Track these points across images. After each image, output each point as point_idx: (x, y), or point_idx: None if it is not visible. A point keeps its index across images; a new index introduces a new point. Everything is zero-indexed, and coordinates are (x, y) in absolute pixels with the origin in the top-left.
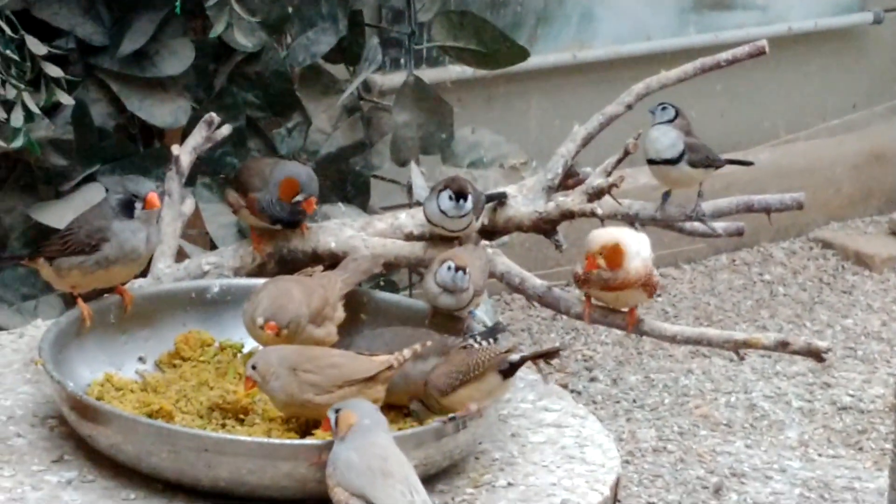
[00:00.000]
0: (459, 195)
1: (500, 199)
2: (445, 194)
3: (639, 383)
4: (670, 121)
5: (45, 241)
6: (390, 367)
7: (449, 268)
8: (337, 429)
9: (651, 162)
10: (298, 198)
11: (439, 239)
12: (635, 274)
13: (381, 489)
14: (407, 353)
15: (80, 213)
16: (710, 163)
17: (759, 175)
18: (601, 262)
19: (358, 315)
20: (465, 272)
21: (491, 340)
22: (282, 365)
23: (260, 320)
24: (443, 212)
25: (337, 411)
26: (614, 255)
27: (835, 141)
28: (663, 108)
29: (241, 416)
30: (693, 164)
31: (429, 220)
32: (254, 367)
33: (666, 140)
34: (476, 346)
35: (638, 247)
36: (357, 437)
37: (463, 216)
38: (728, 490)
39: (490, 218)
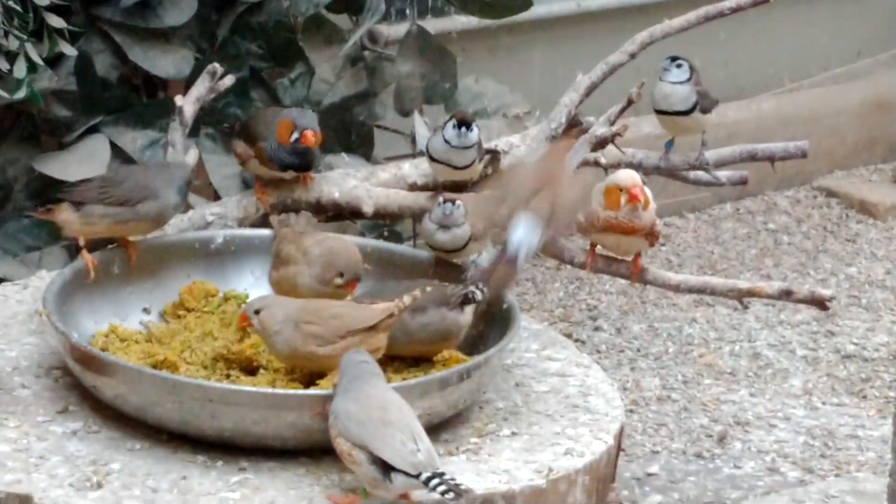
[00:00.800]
0: (463, 123)
1: (493, 155)
2: (450, 124)
3: (643, 332)
4: (687, 80)
5: (72, 186)
6: (391, 315)
7: (440, 203)
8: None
9: (661, 112)
10: (294, 135)
11: (444, 189)
12: (649, 219)
13: (381, 439)
14: (407, 299)
15: (124, 166)
16: (713, 104)
17: (763, 124)
18: (637, 193)
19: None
20: (454, 203)
21: None
22: (285, 320)
23: (339, 280)
24: (447, 142)
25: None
26: (642, 193)
27: (839, 89)
28: (678, 66)
29: (246, 367)
30: (704, 111)
31: (432, 159)
32: (256, 312)
33: (679, 96)
34: (478, 294)
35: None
36: (356, 388)
37: (468, 148)
38: (732, 438)
39: (493, 168)
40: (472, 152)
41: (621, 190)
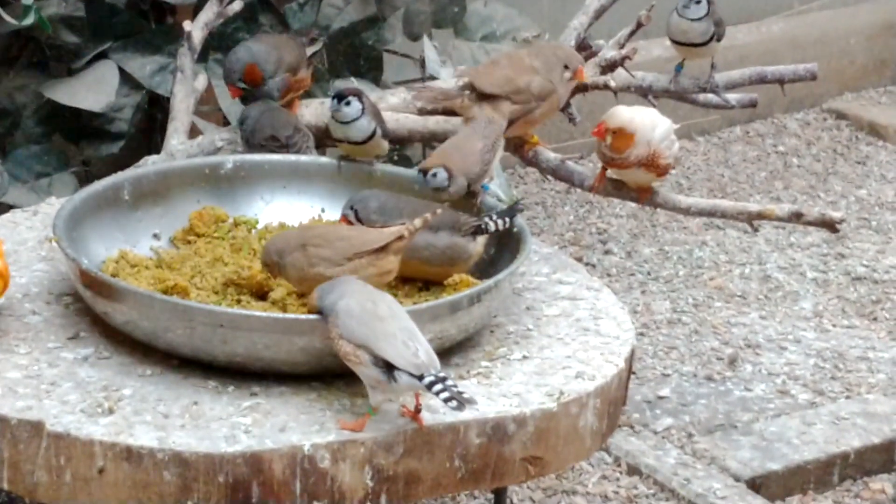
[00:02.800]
0: (339, 97)
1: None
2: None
3: (653, 255)
4: (706, 15)
5: None
6: (401, 238)
7: (419, 172)
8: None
9: (677, 43)
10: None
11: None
12: (636, 157)
13: (383, 339)
14: (418, 222)
15: None
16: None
17: (773, 46)
18: (609, 139)
19: (372, 190)
20: (434, 174)
21: (507, 220)
22: (289, 244)
23: (568, 74)
24: (332, 117)
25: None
26: (623, 139)
27: (848, 11)
28: (697, 2)
29: (257, 292)
30: (719, 39)
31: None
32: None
33: (698, 31)
34: (491, 225)
35: (650, 133)
36: (348, 287)
37: (352, 122)
38: (743, 361)
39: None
40: (359, 125)
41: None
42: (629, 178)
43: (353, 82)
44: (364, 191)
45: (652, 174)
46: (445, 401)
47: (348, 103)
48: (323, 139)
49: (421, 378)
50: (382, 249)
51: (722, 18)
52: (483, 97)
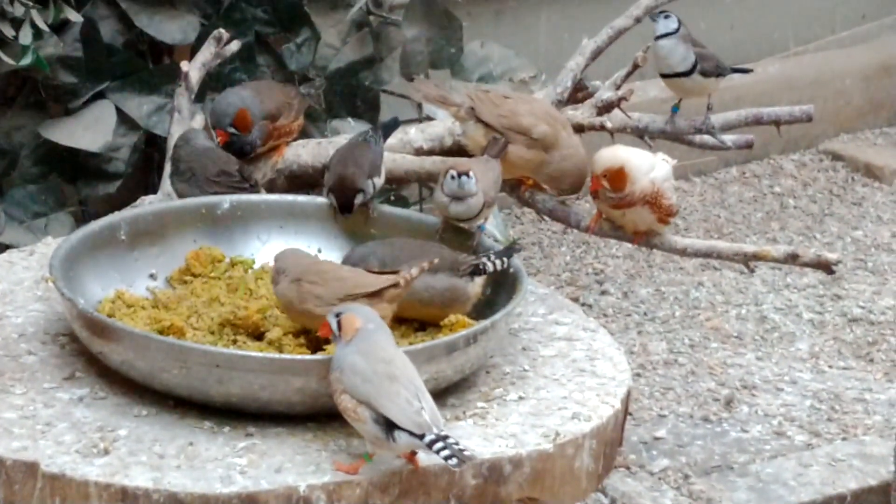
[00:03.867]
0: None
1: None
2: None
3: (650, 296)
4: (675, 31)
5: None
6: (396, 285)
7: (452, 176)
8: (341, 333)
9: (664, 76)
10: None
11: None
12: (640, 192)
13: (386, 397)
14: (415, 271)
15: None
16: (721, 71)
17: (769, 87)
18: (605, 183)
19: (368, 230)
20: (468, 176)
21: (504, 260)
22: (290, 271)
23: None
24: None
25: (338, 315)
26: (618, 177)
27: (844, 52)
28: (666, 17)
29: (253, 333)
30: (705, 74)
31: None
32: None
33: (677, 55)
34: (489, 266)
35: (646, 166)
36: (362, 341)
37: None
38: (739, 402)
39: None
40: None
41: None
42: (632, 220)
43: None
44: (359, 247)
45: (655, 215)
46: (446, 458)
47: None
48: (318, 179)
49: (422, 437)
50: (376, 295)
51: (715, 57)
52: (479, 121)
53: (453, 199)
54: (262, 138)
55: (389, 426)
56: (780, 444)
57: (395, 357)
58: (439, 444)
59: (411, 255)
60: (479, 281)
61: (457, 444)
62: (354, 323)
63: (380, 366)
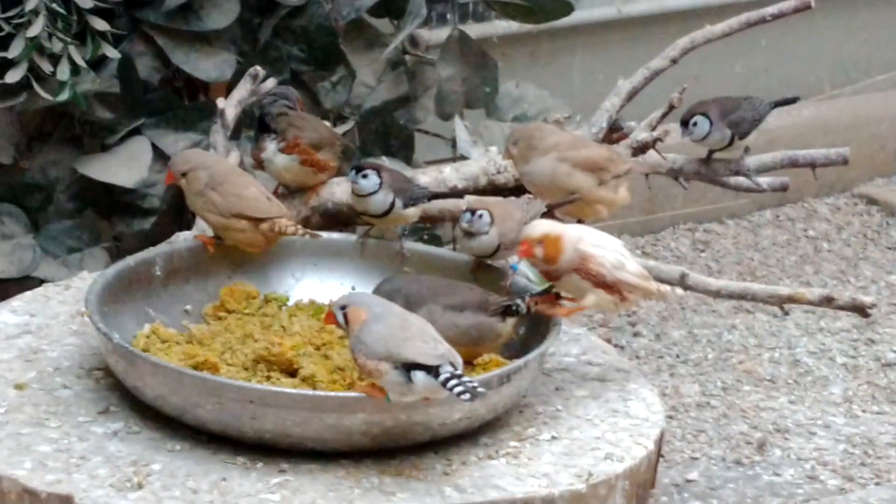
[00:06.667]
0: (358, 170)
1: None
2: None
3: (682, 338)
4: (707, 134)
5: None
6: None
7: (465, 212)
8: (348, 326)
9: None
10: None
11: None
12: (567, 264)
13: (402, 343)
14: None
15: None
16: (757, 121)
17: (804, 130)
18: (538, 251)
19: (401, 268)
20: (478, 215)
21: (538, 302)
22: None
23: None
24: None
25: (343, 308)
26: (549, 244)
27: (880, 96)
28: (694, 124)
29: (286, 369)
30: (742, 136)
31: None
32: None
33: (714, 139)
34: (523, 307)
35: (578, 241)
36: (373, 321)
37: (369, 195)
38: (772, 446)
39: None
40: (376, 199)
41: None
42: (564, 287)
43: (385, 161)
44: (386, 282)
45: (588, 282)
46: (459, 394)
47: (365, 176)
48: (352, 217)
49: (438, 375)
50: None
51: (748, 110)
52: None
53: (466, 234)
54: (285, 135)
55: (408, 371)
56: (812, 488)
57: (408, 316)
58: (453, 382)
59: (438, 293)
60: (511, 321)
61: (471, 381)
62: (360, 315)
63: (395, 323)
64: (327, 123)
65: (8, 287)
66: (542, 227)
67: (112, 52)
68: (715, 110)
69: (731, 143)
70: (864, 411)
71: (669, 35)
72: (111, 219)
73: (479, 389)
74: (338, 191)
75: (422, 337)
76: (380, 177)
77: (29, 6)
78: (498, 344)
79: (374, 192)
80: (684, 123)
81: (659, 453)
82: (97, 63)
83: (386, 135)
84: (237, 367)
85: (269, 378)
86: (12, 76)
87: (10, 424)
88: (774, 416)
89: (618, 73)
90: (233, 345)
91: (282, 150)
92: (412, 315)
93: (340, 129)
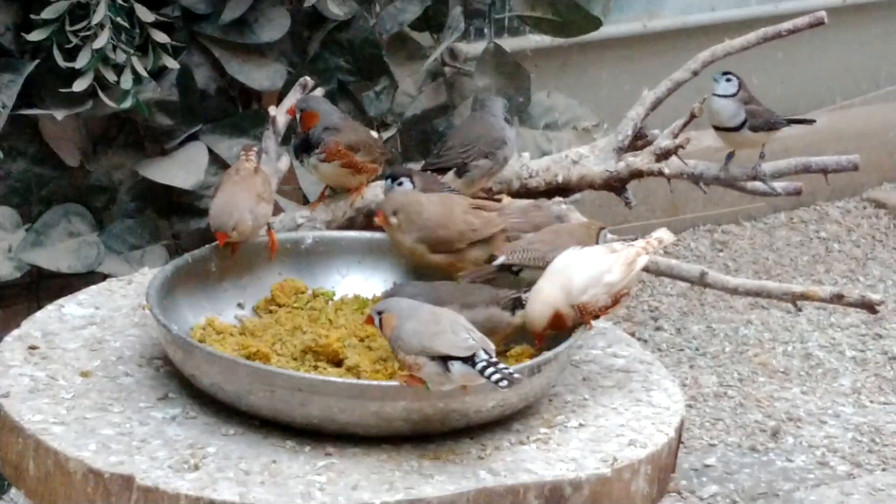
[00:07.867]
0: (393, 178)
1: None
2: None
3: (701, 332)
4: (734, 94)
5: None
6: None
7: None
8: (383, 330)
9: (716, 128)
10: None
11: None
12: (573, 322)
13: (434, 337)
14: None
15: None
16: (772, 126)
17: (817, 138)
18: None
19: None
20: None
21: None
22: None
23: None
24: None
25: (380, 313)
26: (559, 323)
27: (888, 107)
28: (728, 80)
29: (333, 360)
30: (754, 129)
31: None
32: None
33: (727, 112)
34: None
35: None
36: (405, 321)
37: None
38: (785, 433)
39: (564, 176)
40: None
41: None
42: None
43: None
44: (408, 286)
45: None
46: (497, 381)
47: (400, 184)
48: None
49: (474, 364)
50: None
51: (765, 112)
52: None
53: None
54: (322, 144)
55: (444, 362)
56: (823, 473)
57: (438, 311)
58: (490, 370)
59: (452, 298)
60: (521, 312)
61: (507, 368)
62: (391, 321)
63: (426, 318)
64: (369, 131)
65: (74, 281)
66: (550, 300)
67: (172, 63)
68: (744, 92)
69: (739, 129)
70: (871, 401)
71: (691, 49)
72: (170, 218)
73: (516, 376)
74: (381, 193)
75: (452, 329)
76: (413, 183)
77: (95, 20)
78: (509, 332)
79: None
80: (718, 75)
81: (679, 440)
82: (158, 73)
83: (426, 141)
84: (287, 357)
85: (316, 368)
86: (79, 85)
87: (76, 409)
88: (787, 406)
89: (643, 84)
90: (283, 336)
91: (322, 161)
92: (443, 310)
93: (384, 136)
